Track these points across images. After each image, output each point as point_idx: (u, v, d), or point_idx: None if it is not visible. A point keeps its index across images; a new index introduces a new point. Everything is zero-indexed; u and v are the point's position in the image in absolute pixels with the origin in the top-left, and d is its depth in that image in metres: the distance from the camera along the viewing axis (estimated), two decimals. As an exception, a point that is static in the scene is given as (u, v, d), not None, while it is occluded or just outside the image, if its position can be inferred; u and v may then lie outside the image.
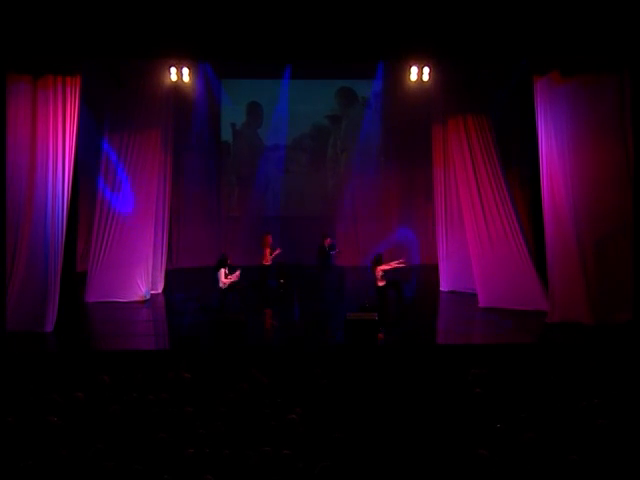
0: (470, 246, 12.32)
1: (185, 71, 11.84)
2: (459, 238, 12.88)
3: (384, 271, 11.40)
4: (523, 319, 11.34)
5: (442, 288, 13.34)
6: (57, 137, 10.75)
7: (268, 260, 12.77)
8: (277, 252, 12.77)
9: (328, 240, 13.35)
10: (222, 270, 11.58)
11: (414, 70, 11.61)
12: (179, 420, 6.77)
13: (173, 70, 11.80)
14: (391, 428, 6.80)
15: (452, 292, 13.20)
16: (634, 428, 6.50)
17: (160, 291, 13.28)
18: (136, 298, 12.52)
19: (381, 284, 11.42)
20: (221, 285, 11.56)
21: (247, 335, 10.02)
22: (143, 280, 12.62)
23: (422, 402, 7.46)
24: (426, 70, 11.59)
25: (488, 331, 11.34)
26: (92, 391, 7.51)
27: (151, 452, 6.09)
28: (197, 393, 7.62)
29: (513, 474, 5.82)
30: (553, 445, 6.14)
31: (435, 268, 13.55)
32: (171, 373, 8.09)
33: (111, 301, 12.34)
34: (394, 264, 11.55)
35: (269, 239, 12.84)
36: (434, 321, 12.00)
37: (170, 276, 13.86)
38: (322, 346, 10.07)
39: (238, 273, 11.61)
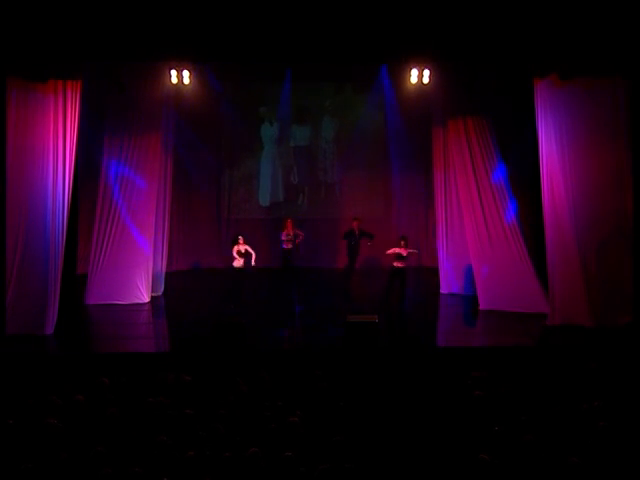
0: (470, 248, 12.31)
1: (185, 73, 11.83)
2: (459, 240, 12.88)
3: (396, 253, 11.95)
4: (523, 321, 11.33)
5: (442, 290, 13.30)
6: (57, 140, 10.76)
7: (287, 244, 13.29)
8: (299, 239, 13.35)
9: (355, 223, 13.30)
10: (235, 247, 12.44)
11: (414, 72, 11.62)
12: (179, 422, 6.77)
13: (173, 73, 11.79)
14: (391, 430, 6.80)
15: (452, 294, 13.18)
16: (635, 430, 6.49)
17: (160, 293, 13.25)
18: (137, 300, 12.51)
19: (396, 265, 11.98)
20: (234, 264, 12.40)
21: (247, 337, 10.01)
22: (144, 282, 12.61)
23: (422, 404, 7.46)
24: (426, 72, 11.59)
25: (488, 333, 11.34)
26: (92, 393, 7.51)
27: (151, 454, 6.09)
28: (197, 395, 7.62)
29: (514, 476, 5.82)
30: (554, 447, 6.14)
31: (435, 270, 13.54)
32: (171, 375, 8.08)
33: (111, 303, 12.33)
34: (399, 250, 11.99)
35: (289, 223, 13.36)
36: (434, 324, 11.99)
37: (170, 278, 13.83)
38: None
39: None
